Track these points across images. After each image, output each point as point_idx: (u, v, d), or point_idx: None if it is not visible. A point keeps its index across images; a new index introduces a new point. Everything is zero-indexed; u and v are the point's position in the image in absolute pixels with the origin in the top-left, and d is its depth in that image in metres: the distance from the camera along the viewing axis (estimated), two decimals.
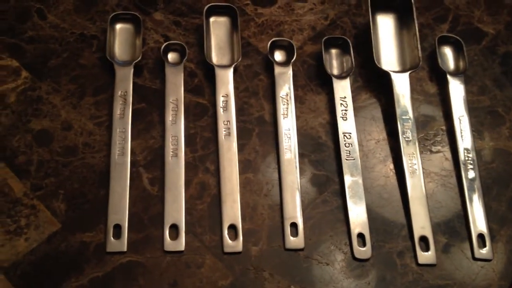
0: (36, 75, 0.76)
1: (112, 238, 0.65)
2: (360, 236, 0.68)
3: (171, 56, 0.78)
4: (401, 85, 0.76)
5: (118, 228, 0.65)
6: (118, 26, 0.79)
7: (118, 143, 0.70)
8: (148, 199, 0.68)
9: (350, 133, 0.73)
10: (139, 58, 0.75)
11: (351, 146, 0.73)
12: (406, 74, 0.77)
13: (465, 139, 0.75)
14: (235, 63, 0.77)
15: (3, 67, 0.76)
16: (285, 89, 0.76)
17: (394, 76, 0.77)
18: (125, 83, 0.74)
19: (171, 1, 0.85)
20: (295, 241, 0.67)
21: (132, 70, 0.74)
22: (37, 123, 0.72)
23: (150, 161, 0.71)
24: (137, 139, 0.72)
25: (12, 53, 0.77)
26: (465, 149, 0.74)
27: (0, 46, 0.77)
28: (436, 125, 0.78)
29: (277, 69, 0.77)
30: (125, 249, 0.64)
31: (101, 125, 0.73)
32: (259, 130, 0.75)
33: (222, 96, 0.75)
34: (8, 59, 0.76)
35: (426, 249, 0.68)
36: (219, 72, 0.76)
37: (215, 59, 0.79)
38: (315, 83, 0.80)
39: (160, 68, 0.77)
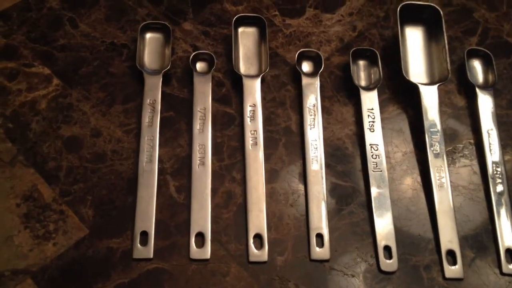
0: (67, 82, 0.77)
1: (138, 244, 0.65)
2: (386, 248, 0.67)
3: (199, 66, 0.79)
4: (430, 97, 0.76)
5: (144, 235, 0.66)
6: (148, 35, 0.80)
7: (146, 150, 0.71)
8: (175, 207, 0.69)
9: (377, 145, 0.73)
10: (168, 67, 0.76)
11: (378, 157, 0.72)
12: (435, 87, 0.77)
13: (493, 153, 0.74)
14: (263, 73, 0.77)
15: (35, 74, 0.77)
16: (312, 100, 0.76)
17: (422, 89, 0.76)
18: (154, 91, 0.75)
19: (200, 11, 0.85)
20: (320, 252, 0.67)
21: (161, 79, 0.75)
22: (67, 129, 0.73)
23: (177, 169, 0.71)
24: (165, 147, 0.73)
25: (44, 61, 0.79)
26: (493, 162, 0.74)
27: (32, 53, 0.79)
28: (464, 138, 0.77)
29: (305, 80, 0.78)
30: (151, 256, 0.65)
31: (129, 132, 0.74)
32: (285, 140, 0.75)
33: (250, 106, 0.75)
34: (40, 66, 0.78)
35: (453, 263, 0.67)
36: (246, 82, 0.76)
37: (242, 69, 0.79)
38: (342, 94, 0.80)
39: (189, 77, 0.78)
